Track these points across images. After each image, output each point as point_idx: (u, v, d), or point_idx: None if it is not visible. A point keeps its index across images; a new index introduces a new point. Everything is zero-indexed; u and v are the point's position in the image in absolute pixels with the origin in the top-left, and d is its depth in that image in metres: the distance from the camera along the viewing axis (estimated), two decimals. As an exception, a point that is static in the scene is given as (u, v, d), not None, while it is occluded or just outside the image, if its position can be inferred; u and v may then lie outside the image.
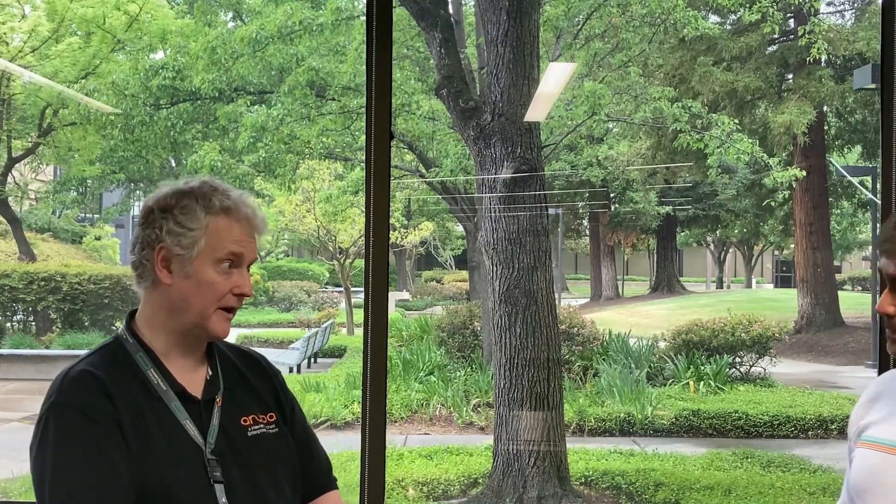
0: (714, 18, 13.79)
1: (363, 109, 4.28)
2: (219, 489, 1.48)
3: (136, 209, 16.21)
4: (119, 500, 1.40)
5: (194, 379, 1.57)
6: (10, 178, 14.21)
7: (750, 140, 10.75)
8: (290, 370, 11.74)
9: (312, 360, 13.02)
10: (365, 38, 2.95)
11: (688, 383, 10.41)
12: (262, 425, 1.60)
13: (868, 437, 1.62)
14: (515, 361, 6.25)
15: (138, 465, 1.43)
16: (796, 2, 12.65)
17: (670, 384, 10.54)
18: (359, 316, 14.00)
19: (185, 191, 1.54)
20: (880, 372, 2.92)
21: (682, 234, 19.44)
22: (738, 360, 10.98)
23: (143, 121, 11.77)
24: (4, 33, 12.91)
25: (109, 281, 11.82)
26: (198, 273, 1.51)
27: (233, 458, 1.52)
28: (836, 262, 18.27)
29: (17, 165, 14.48)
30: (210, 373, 1.59)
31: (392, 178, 7.03)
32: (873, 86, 11.44)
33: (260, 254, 20.68)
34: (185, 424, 1.50)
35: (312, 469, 1.70)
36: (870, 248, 18.83)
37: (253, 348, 1.79)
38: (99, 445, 1.41)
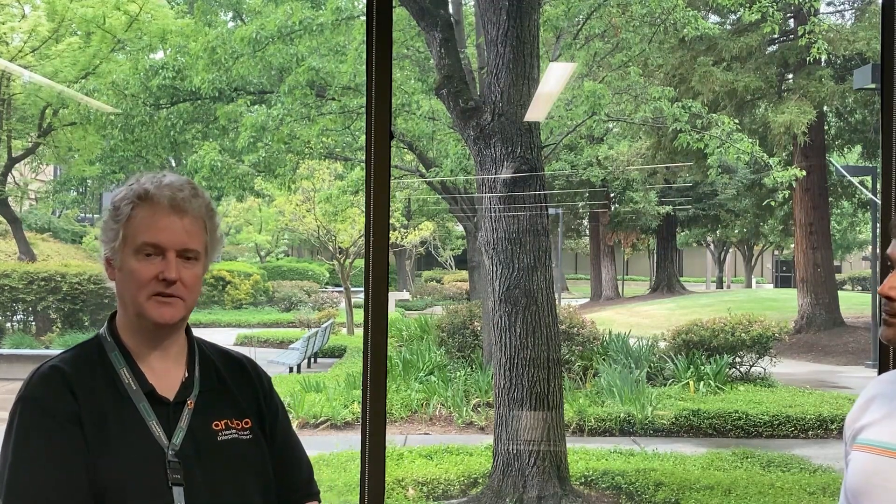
0: (714, 18, 13.79)
1: (363, 109, 4.29)
2: (177, 492, 1.47)
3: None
4: (73, 497, 1.41)
5: (169, 380, 1.56)
6: (10, 178, 14.21)
7: (750, 140, 10.74)
8: (290, 370, 11.75)
9: (312, 360, 13.02)
10: (365, 38, 2.95)
11: (688, 383, 10.41)
12: (234, 431, 1.58)
13: (863, 439, 1.62)
14: (515, 361, 6.25)
15: (95, 463, 1.44)
16: (796, 2, 12.65)
17: (670, 384, 10.54)
18: (359, 316, 14.00)
19: (121, 191, 1.57)
20: (880, 372, 2.92)
21: (682, 234, 19.44)
22: (738, 360, 10.98)
23: (143, 121, 11.75)
24: (4, 33, 12.91)
25: (109, 281, 11.79)
26: (123, 264, 1.54)
27: (198, 461, 1.51)
28: (836, 262, 18.27)
29: (17, 165, 14.48)
30: (186, 375, 1.59)
31: (392, 178, 7.03)
32: (873, 86, 11.43)
33: (259, 254, 20.76)
34: (150, 425, 1.50)
35: (291, 479, 1.68)
36: (870, 248, 18.83)
37: (243, 353, 1.76)
38: (57, 441, 1.43)
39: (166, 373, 1.57)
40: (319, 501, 1.75)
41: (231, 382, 1.64)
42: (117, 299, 1.59)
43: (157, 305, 1.52)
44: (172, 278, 1.51)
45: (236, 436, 1.58)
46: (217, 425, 1.57)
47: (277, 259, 20.79)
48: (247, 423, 1.61)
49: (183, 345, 1.62)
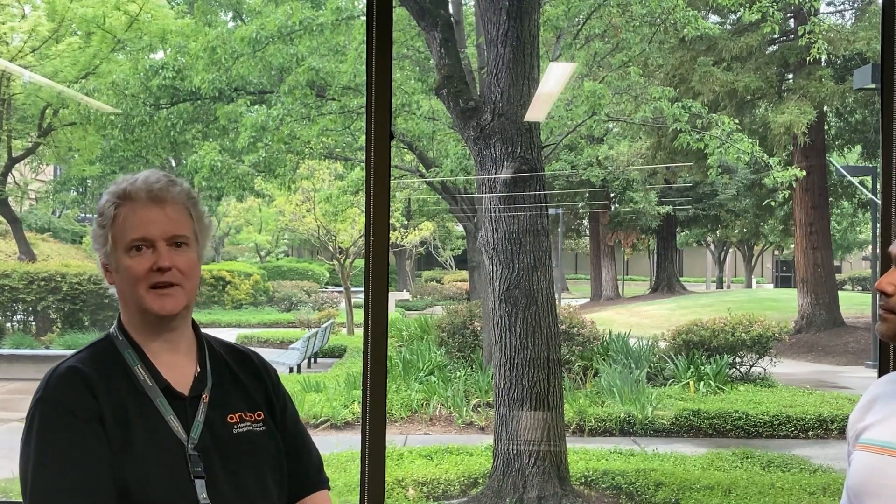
0: (714, 18, 13.79)
1: (363, 109, 4.28)
2: (199, 484, 1.49)
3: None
4: (100, 494, 1.42)
5: (182, 376, 1.59)
6: (10, 178, 14.21)
7: (750, 140, 10.74)
8: (290, 370, 11.74)
9: (312, 360, 13.01)
10: (365, 38, 2.95)
11: (688, 383, 10.41)
12: (248, 423, 1.61)
13: (866, 439, 1.63)
14: (515, 361, 6.24)
15: (119, 460, 1.45)
16: (796, 2, 12.65)
17: (670, 384, 10.54)
18: (359, 316, 13.99)
19: (102, 197, 1.60)
20: (880, 372, 2.92)
21: (682, 234, 19.43)
22: (738, 360, 10.97)
23: (143, 121, 11.74)
24: (4, 33, 12.91)
25: (109, 281, 11.77)
26: (118, 264, 1.57)
27: (217, 454, 1.54)
28: (836, 262, 18.26)
29: (17, 165, 14.48)
30: (199, 370, 1.61)
31: (392, 178, 7.03)
32: (873, 86, 11.43)
33: (259, 254, 20.77)
34: (169, 420, 1.52)
35: (302, 468, 1.71)
36: (870, 248, 18.82)
37: (249, 347, 1.80)
38: (82, 440, 1.44)
39: (179, 368, 1.59)
40: (329, 490, 1.77)
41: (241, 376, 1.68)
42: (119, 300, 1.61)
43: (156, 297, 1.55)
44: (166, 266, 1.54)
45: (251, 428, 1.61)
46: (232, 418, 1.60)
47: (277, 259, 20.79)
48: (259, 415, 1.64)
49: (192, 340, 1.65)
